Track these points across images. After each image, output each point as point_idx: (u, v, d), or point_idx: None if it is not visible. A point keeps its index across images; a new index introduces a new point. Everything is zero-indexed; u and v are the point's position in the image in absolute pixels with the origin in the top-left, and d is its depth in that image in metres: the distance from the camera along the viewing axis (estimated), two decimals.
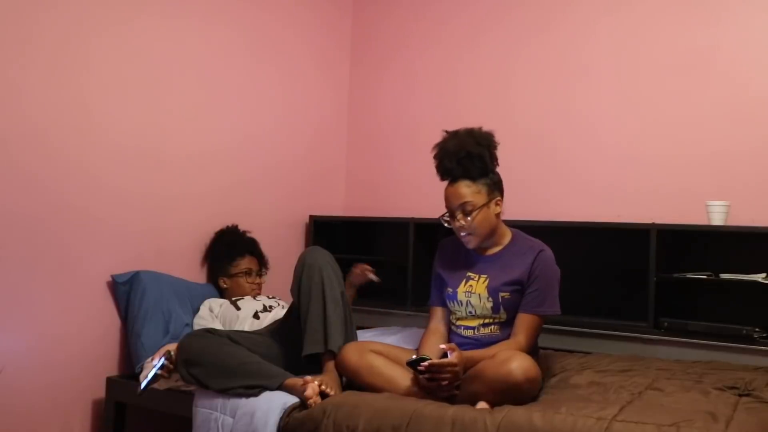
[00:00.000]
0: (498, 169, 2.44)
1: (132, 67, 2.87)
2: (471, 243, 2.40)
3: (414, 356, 2.17)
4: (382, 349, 2.35)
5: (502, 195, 2.41)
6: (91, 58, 2.73)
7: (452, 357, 2.11)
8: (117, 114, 2.82)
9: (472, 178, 2.35)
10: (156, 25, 2.96)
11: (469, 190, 2.34)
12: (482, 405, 2.02)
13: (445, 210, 2.41)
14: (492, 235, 2.42)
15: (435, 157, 2.40)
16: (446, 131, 2.42)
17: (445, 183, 2.41)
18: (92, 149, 2.75)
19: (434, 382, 2.13)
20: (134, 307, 2.78)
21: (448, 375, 2.11)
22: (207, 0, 3.19)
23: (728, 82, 2.95)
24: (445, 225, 2.42)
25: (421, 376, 2.15)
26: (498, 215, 2.40)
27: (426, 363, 2.10)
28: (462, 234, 2.39)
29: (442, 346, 2.16)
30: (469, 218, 2.34)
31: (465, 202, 2.34)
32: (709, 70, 2.98)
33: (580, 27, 3.29)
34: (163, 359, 2.32)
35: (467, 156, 2.33)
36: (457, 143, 2.35)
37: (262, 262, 3.17)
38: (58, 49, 2.62)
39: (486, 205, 2.35)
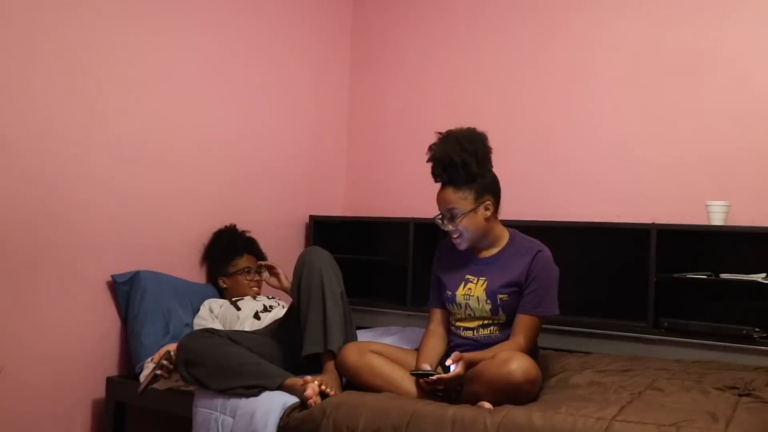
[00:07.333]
0: (498, 170, 2.43)
1: (133, 67, 2.87)
2: (461, 245, 2.40)
3: (421, 369, 2.20)
4: (382, 349, 2.35)
5: (495, 197, 2.38)
6: (94, 58, 2.73)
7: (458, 369, 2.12)
8: (118, 113, 2.82)
9: (458, 185, 2.33)
10: (156, 26, 2.96)
11: (455, 196, 2.33)
12: (485, 405, 2.02)
13: (438, 211, 2.41)
14: (485, 237, 2.41)
15: (427, 161, 2.39)
16: (439, 133, 2.40)
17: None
18: (93, 149, 2.75)
19: (434, 386, 2.17)
20: (134, 307, 2.78)
21: (453, 384, 2.15)
22: (207, 0, 3.19)
23: (729, 82, 2.94)
24: (440, 226, 2.42)
25: (424, 384, 2.19)
26: (489, 218, 2.37)
27: (434, 378, 2.13)
28: (453, 236, 2.39)
29: (448, 362, 2.16)
30: (455, 222, 2.34)
31: (451, 208, 2.34)
32: (710, 71, 2.98)
33: (582, 29, 3.29)
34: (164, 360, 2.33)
35: (451, 164, 2.31)
36: (443, 150, 2.33)
37: (260, 260, 3.16)
38: (61, 50, 2.62)
39: (473, 210, 2.33)
